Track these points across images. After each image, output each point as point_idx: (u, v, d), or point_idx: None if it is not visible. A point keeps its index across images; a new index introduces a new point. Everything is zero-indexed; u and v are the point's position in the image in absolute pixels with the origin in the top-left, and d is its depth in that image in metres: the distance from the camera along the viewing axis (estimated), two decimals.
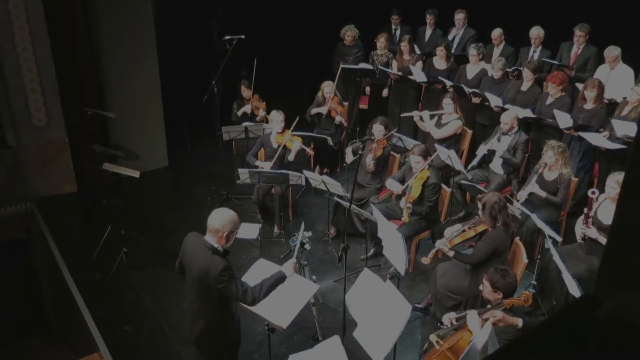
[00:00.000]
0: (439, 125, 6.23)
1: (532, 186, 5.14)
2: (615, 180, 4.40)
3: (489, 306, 3.71)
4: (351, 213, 5.08)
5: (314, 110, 6.79)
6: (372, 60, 7.50)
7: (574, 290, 4.01)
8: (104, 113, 6.50)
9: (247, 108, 6.73)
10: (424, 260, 4.51)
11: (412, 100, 7.34)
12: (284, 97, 6.87)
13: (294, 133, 5.98)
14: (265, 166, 5.82)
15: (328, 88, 6.68)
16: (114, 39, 6.47)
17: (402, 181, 5.35)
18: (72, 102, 6.42)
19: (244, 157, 6.40)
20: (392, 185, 5.30)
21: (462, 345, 3.53)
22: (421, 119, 6.34)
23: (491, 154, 5.83)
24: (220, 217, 3.29)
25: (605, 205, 4.52)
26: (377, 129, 5.70)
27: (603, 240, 4.39)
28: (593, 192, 4.41)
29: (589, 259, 4.50)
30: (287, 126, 5.96)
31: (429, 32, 7.88)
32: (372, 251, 5.48)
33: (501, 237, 4.31)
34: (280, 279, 3.42)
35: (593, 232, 4.44)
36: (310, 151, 6.14)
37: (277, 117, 5.91)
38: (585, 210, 4.47)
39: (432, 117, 6.29)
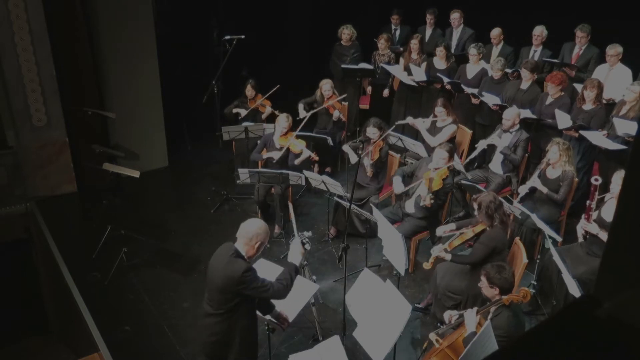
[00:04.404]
0: (434, 130, 6.21)
1: (534, 180, 5.13)
2: (620, 177, 4.36)
3: (487, 304, 3.72)
4: (351, 213, 5.08)
5: (303, 102, 6.70)
6: (374, 60, 7.49)
7: (574, 290, 4.00)
8: (104, 113, 6.50)
9: (242, 112, 6.61)
10: (425, 266, 4.53)
11: (415, 100, 7.31)
12: (283, 97, 6.87)
13: (298, 134, 5.96)
14: (274, 156, 5.78)
15: (326, 86, 6.65)
16: (114, 39, 6.46)
17: (411, 176, 5.36)
18: (72, 102, 6.42)
19: (244, 157, 6.37)
20: (397, 184, 5.27)
21: (461, 343, 3.54)
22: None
23: (491, 150, 5.82)
24: (255, 225, 3.24)
25: (610, 204, 4.48)
26: (371, 132, 5.66)
27: (603, 236, 4.35)
28: (596, 180, 4.27)
29: (589, 259, 4.48)
30: (292, 128, 5.91)
31: (429, 32, 7.86)
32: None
33: (499, 236, 4.32)
34: (294, 269, 3.40)
35: (594, 228, 4.39)
36: (314, 156, 5.97)
37: (282, 123, 5.84)
38: (588, 202, 4.37)
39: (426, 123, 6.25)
